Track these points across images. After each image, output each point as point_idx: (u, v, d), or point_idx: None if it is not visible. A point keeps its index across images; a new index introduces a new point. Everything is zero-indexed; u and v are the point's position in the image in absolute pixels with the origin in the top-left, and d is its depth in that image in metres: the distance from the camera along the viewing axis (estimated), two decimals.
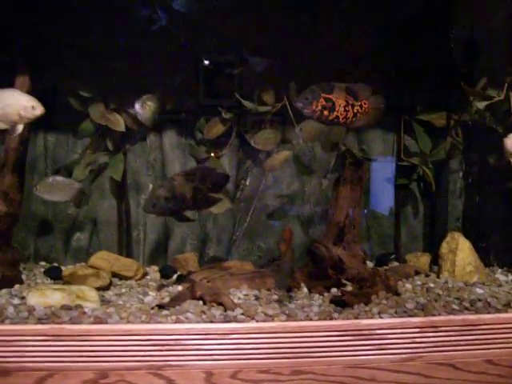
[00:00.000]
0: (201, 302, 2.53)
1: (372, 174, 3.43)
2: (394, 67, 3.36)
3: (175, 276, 3.14)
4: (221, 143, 3.37)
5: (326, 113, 2.54)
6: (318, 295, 2.70)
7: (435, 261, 3.34)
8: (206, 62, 3.37)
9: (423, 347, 2.32)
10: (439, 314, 2.45)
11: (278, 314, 2.40)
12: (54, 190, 2.79)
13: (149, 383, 2.20)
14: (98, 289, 2.78)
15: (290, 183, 3.49)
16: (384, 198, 3.54)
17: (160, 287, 2.90)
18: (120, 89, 3.24)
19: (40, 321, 2.32)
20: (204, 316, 2.38)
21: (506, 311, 2.52)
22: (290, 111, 3.18)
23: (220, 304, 2.49)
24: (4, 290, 2.76)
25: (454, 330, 2.34)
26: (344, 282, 2.78)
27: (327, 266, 2.80)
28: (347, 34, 3.20)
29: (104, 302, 2.65)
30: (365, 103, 2.63)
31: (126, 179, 3.39)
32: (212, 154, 3.38)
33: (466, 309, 2.54)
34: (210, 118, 3.33)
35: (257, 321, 2.35)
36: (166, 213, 2.72)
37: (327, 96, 2.53)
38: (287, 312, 2.41)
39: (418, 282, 3.02)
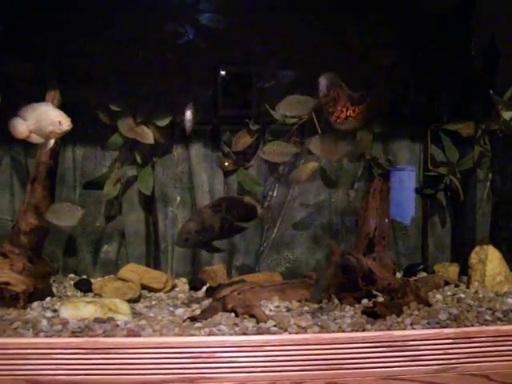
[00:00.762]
0: (233, 314, 2.53)
1: (398, 184, 3.42)
2: (421, 77, 3.35)
3: (204, 288, 3.14)
4: (248, 154, 3.39)
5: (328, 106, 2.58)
6: (349, 306, 2.68)
7: (463, 271, 3.32)
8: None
9: (456, 358, 2.31)
10: (472, 325, 2.44)
11: (311, 325, 2.39)
12: (61, 216, 2.82)
13: None
14: (128, 301, 2.79)
15: (317, 194, 3.48)
16: (411, 208, 3.52)
17: (194, 301, 2.88)
18: (148, 102, 3.25)
19: (74, 334, 2.34)
20: (237, 328, 2.39)
21: None
22: (317, 123, 3.18)
23: (252, 316, 2.49)
24: (36, 303, 2.78)
25: (487, 340, 2.33)
26: (375, 292, 2.77)
27: (358, 277, 2.78)
28: (373, 45, 3.20)
29: (135, 314, 2.66)
30: (358, 109, 2.65)
31: (153, 191, 3.40)
32: (226, 164, 3.40)
33: (499, 319, 2.52)
34: (237, 130, 3.34)
35: (290, 333, 2.35)
36: (197, 246, 2.75)
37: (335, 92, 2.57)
38: (320, 323, 2.41)
39: (449, 293, 3.01)
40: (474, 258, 3.16)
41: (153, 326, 2.39)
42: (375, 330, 2.39)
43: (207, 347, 2.23)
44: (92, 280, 3.25)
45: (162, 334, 2.34)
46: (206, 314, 2.55)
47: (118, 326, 2.41)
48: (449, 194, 3.56)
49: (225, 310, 2.58)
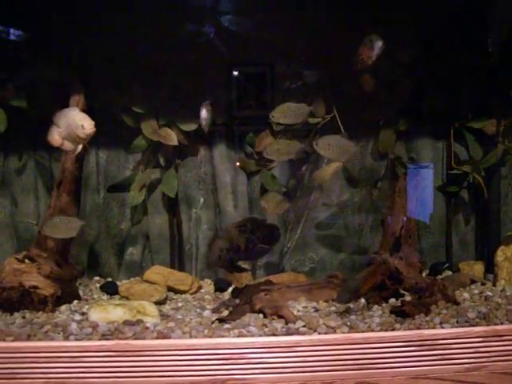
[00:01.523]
0: (261, 315, 2.54)
1: (421, 182, 3.41)
2: (443, 75, 3.33)
3: (230, 289, 3.15)
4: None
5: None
6: (376, 306, 2.68)
7: (488, 269, 3.31)
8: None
9: (487, 356, 2.30)
10: (501, 323, 2.43)
11: (340, 325, 2.39)
12: (59, 230, 2.84)
13: None
14: (155, 303, 2.80)
15: (340, 194, 3.48)
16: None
17: (222, 302, 2.89)
18: (171, 103, 3.26)
19: (104, 337, 2.35)
20: (266, 329, 2.39)
21: None
22: (340, 122, 3.18)
23: (281, 317, 2.49)
24: (64, 306, 2.80)
25: None
26: (402, 292, 2.77)
27: (385, 277, 2.78)
28: (397, 44, 3.19)
29: (163, 316, 2.66)
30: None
31: (177, 193, 3.40)
32: (237, 164, 3.40)
33: None
34: (260, 131, 3.34)
35: (319, 333, 2.35)
36: (228, 264, 2.74)
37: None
38: (349, 323, 2.41)
39: (476, 291, 3.00)
40: (499, 256, 3.14)
41: (182, 328, 2.40)
42: (404, 330, 2.38)
43: (237, 348, 2.24)
44: (117, 282, 3.26)
45: (191, 336, 2.35)
46: (234, 315, 2.56)
47: (147, 328, 2.42)
48: (472, 192, 3.53)
49: (253, 310, 2.58)
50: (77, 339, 2.34)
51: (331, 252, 3.48)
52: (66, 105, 2.89)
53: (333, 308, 2.70)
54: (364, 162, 3.47)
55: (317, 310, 2.66)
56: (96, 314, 2.56)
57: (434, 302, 2.63)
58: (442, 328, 2.40)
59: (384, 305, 2.70)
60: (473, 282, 3.16)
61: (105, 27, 3.13)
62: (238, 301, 2.84)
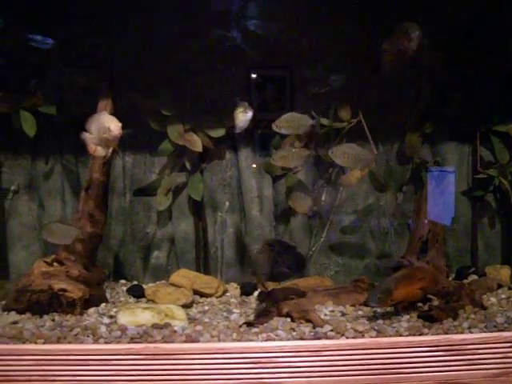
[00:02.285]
0: (288, 319, 2.54)
1: (443, 186, 3.40)
2: (470, 79, 3.32)
3: (256, 293, 3.16)
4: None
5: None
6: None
7: None
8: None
9: None
10: None
11: (368, 330, 2.39)
12: (56, 235, 2.86)
13: None
14: (182, 307, 2.81)
15: (366, 198, 3.47)
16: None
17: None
18: (197, 109, 3.27)
19: (132, 340, 2.37)
20: (294, 333, 2.40)
21: None
22: (366, 127, 3.18)
23: (308, 321, 2.50)
24: (92, 309, 2.82)
25: None
26: (429, 296, 2.76)
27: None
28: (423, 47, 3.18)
29: (190, 319, 2.68)
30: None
31: (202, 197, 3.42)
32: (254, 166, 3.41)
33: None
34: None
35: (347, 337, 2.35)
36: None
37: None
38: (377, 328, 2.41)
39: (503, 296, 2.99)
40: None
41: (210, 332, 2.41)
42: (432, 334, 2.38)
43: (266, 352, 2.25)
44: (143, 286, 3.28)
45: (220, 340, 2.36)
46: (262, 319, 2.56)
47: (175, 331, 2.44)
48: (498, 196, 3.52)
49: (280, 314, 2.59)
50: (106, 342, 2.36)
51: (356, 256, 3.48)
52: (94, 109, 2.91)
53: (360, 312, 2.70)
54: (389, 166, 3.46)
55: (344, 314, 2.67)
56: (124, 318, 2.58)
57: (462, 306, 2.63)
58: (471, 333, 2.40)
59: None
60: (499, 286, 3.14)
61: (131, 31, 3.15)
62: (264, 305, 2.85)
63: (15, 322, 2.61)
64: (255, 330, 2.45)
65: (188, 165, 3.37)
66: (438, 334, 2.38)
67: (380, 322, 2.51)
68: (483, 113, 3.38)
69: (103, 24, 3.13)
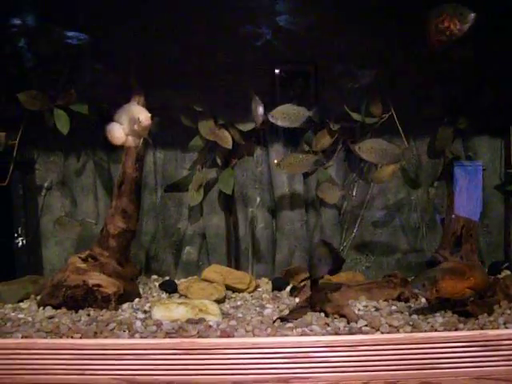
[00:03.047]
0: (323, 314, 2.55)
1: (471, 181, 3.38)
2: (500, 73, 3.29)
3: (288, 288, 3.16)
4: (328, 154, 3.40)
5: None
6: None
7: None
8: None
9: None
10: None
11: (403, 325, 2.39)
12: (66, 229, 2.92)
13: None
14: (215, 302, 2.82)
15: (396, 193, 3.46)
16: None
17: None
18: (228, 104, 3.28)
19: (168, 334, 2.39)
20: (328, 328, 2.40)
21: None
22: (398, 123, 3.17)
23: (342, 316, 2.50)
24: (126, 304, 2.84)
25: None
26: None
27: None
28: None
29: (223, 314, 2.69)
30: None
31: (233, 193, 3.43)
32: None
33: None
34: (318, 130, 3.35)
35: (382, 332, 2.35)
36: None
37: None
38: (412, 323, 2.40)
39: None
40: None
41: (244, 327, 2.43)
42: (468, 330, 2.37)
43: (301, 347, 2.25)
44: (175, 281, 3.30)
45: (254, 335, 2.37)
46: (296, 314, 2.57)
47: (210, 326, 2.45)
48: None
49: (314, 309, 2.59)
50: (142, 337, 2.38)
51: (387, 251, 3.47)
52: None
53: (393, 307, 2.70)
54: (421, 161, 3.45)
55: (377, 310, 2.67)
56: (159, 313, 2.60)
57: (497, 301, 2.61)
58: (506, 328, 2.38)
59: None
60: None
61: (163, 29, 3.16)
62: (297, 300, 2.86)
63: (51, 317, 2.65)
64: (289, 324, 2.46)
65: (219, 160, 3.38)
66: (473, 329, 2.37)
67: (415, 316, 2.51)
68: None
69: (135, 21, 3.14)
